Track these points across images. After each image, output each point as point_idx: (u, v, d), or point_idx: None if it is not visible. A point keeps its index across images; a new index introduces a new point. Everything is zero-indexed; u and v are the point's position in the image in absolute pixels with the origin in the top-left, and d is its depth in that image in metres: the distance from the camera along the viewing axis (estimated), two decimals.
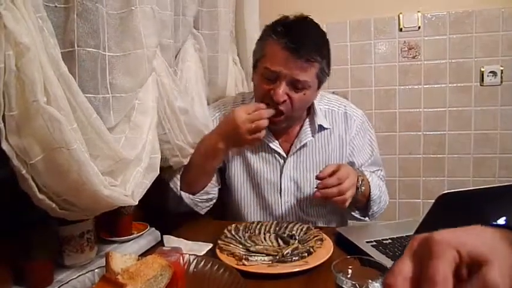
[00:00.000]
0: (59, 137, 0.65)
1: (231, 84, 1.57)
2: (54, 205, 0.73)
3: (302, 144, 1.28)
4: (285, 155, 1.29)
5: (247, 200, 1.34)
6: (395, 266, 0.43)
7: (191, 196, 1.24)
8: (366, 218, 1.28)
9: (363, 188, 1.15)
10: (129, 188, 0.86)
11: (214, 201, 1.32)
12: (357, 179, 1.13)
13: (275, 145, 1.28)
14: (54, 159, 0.67)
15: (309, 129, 1.29)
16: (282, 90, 1.12)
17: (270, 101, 1.15)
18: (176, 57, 1.20)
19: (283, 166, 1.29)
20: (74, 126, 0.70)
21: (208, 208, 1.31)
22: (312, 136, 1.28)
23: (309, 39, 1.11)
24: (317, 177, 1.07)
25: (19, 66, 0.60)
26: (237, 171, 1.33)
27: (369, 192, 1.21)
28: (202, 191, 1.25)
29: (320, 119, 1.28)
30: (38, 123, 0.64)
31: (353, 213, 1.28)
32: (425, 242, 0.43)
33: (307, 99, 1.19)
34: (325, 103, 1.33)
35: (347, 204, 1.07)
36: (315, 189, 1.06)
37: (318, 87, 1.21)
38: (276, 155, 1.29)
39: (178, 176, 1.24)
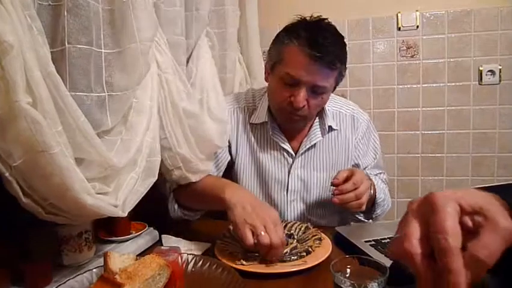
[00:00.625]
0: (41, 140, 0.63)
1: (236, 83, 1.57)
2: (40, 209, 0.71)
3: (312, 144, 1.28)
4: (293, 154, 1.29)
5: (256, 194, 1.32)
6: (404, 230, 0.45)
7: (185, 212, 1.21)
8: (370, 220, 1.28)
9: (371, 191, 1.15)
10: (121, 196, 0.83)
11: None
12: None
13: (286, 145, 1.28)
14: (36, 163, 0.65)
15: (318, 129, 1.29)
16: (302, 97, 1.11)
17: (288, 105, 1.15)
18: (191, 54, 1.17)
19: (291, 165, 1.30)
20: (59, 129, 0.67)
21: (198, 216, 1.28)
22: (322, 136, 1.29)
23: (332, 46, 1.09)
24: (333, 184, 1.05)
25: (3, 65, 0.58)
26: (245, 166, 1.32)
27: (375, 196, 1.21)
28: (198, 212, 1.22)
29: (329, 120, 1.29)
30: (20, 124, 0.61)
31: (357, 215, 1.27)
32: (425, 201, 0.45)
33: (324, 102, 1.20)
34: (333, 105, 1.34)
35: (364, 208, 1.06)
36: (332, 195, 1.05)
37: (333, 90, 1.21)
38: (285, 154, 1.29)
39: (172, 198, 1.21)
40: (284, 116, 1.21)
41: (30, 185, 0.68)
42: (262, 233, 0.88)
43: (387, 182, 1.41)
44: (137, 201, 0.90)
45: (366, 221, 1.28)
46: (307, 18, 1.17)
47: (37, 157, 0.64)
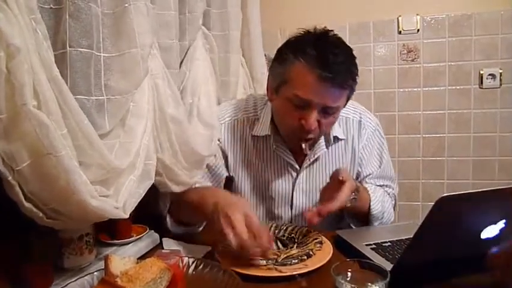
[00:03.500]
0: (47, 142, 0.63)
1: (240, 86, 1.55)
2: (41, 214, 0.70)
3: (316, 157, 1.23)
4: (298, 168, 1.24)
5: (256, 212, 1.27)
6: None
7: (180, 228, 1.19)
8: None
9: (356, 197, 1.08)
10: (121, 199, 0.83)
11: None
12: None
13: (291, 159, 1.23)
14: (41, 166, 0.65)
15: (323, 141, 1.23)
16: (313, 119, 1.04)
17: (298, 128, 1.07)
18: (185, 56, 1.16)
19: (295, 179, 1.25)
20: (64, 132, 0.67)
21: None
22: (326, 148, 1.23)
23: (343, 64, 1.01)
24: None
25: (9, 68, 0.58)
26: (245, 182, 1.27)
27: (369, 207, 1.17)
28: (189, 228, 1.20)
29: (335, 130, 1.23)
30: (26, 127, 0.62)
31: (351, 224, 1.24)
32: None
33: (335, 120, 1.14)
34: (341, 110, 1.25)
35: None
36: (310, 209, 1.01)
37: (345, 105, 1.14)
38: (289, 168, 1.24)
39: (168, 204, 1.19)
40: (295, 140, 1.13)
41: (32, 189, 0.68)
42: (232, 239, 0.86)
43: (394, 197, 1.33)
44: (136, 203, 0.89)
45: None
46: (312, 31, 1.08)
47: (43, 160, 0.64)
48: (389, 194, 1.29)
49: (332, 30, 1.10)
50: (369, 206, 1.17)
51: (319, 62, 0.99)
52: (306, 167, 1.24)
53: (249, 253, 0.88)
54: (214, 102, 1.24)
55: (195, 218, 1.16)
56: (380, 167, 1.29)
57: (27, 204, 0.68)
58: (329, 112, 1.06)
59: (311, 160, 1.23)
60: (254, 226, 0.88)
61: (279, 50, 1.11)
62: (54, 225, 0.75)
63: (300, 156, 1.23)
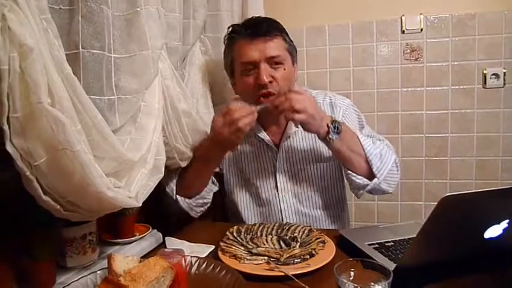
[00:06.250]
0: (63, 138, 0.65)
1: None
2: (58, 206, 0.73)
3: (288, 135, 1.30)
4: (275, 148, 1.31)
5: (245, 201, 1.37)
6: None
7: (187, 200, 1.25)
8: (375, 180, 1.19)
9: (338, 127, 1.13)
10: (133, 190, 0.86)
11: (209, 205, 1.33)
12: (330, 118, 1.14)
13: (262, 133, 1.32)
14: (58, 161, 0.67)
15: (293, 123, 1.25)
16: (264, 71, 1.17)
17: (258, 88, 1.18)
18: (184, 60, 1.22)
19: (276, 161, 1.32)
20: (78, 128, 0.70)
21: (202, 212, 1.32)
22: (296, 127, 1.27)
23: (262, 22, 1.23)
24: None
25: (23, 67, 0.60)
26: (232, 175, 1.38)
27: (360, 141, 1.18)
28: (198, 196, 1.26)
29: None
30: (42, 124, 0.64)
31: (353, 178, 1.21)
32: None
33: (288, 74, 1.23)
34: None
35: (298, 115, 1.07)
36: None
37: (293, 63, 1.27)
38: (265, 147, 1.33)
39: (174, 181, 1.25)
40: (259, 100, 1.19)
41: (49, 183, 0.70)
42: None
43: (388, 145, 1.29)
44: (148, 194, 0.93)
45: (370, 182, 1.20)
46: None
47: (59, 155, 0.67)
48: (381, 142, 1.28)
49: (259, 17, 1.31)
50: (359, 139, 1.19)
51: (245, 28, 1.22)
52: (283, 146, 1.31)
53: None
54: (210, 103, 1.32)
55: (202, 163, 1.23)
56: (363, 127, 1.35)
57: (45, 198, 0.70)
58: (276, 63, 1.20)
59: (286, 139, 1.32)
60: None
61: (225, 41, 1.30)
62: (71, 217, 0.78)
63: (274, 135, 1.33)
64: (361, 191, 1.25)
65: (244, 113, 1.09)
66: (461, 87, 2.07)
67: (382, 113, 2.16)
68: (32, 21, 0.61)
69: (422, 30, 2.07)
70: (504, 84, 2.01)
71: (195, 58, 1.28)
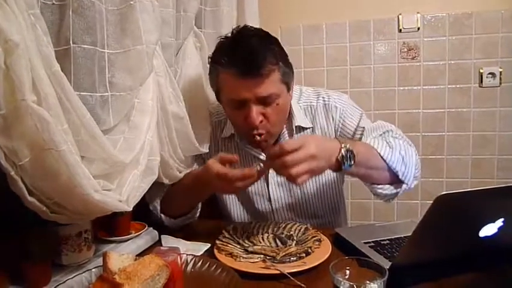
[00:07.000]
0: (48, 137, 0.63)
1: None
2: (44, 208, 0.71)
3: None
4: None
5: (239, 214, 1.33)
6: None
7: (172, 220, 1.21)
8: (404, 186, 1.12)
9: (350, 156, 0.97)
10: (125, 192, 0.84)
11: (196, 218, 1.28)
12: (339, 148, 0.98)
13: (255, 151, 1.25)
14: (43, 161, 0.65)
15: (286, 132, 1.23)
16: (254, 113, 1.06)
17: (247, 126, 1.10)
18: (177, 55, 1.18)
19: (268, 173, 1.25)
20: (65, 127, 0.68)
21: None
22: (289, 137, 1.23)
23: (254, 53, 1.03)
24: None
25: (8, 64, 0.58)
26: None
27: (382, 158, 1.07)
28: (184, 217, 1.22)
29: (298, 120, 1.22)
30: (26, 123, 0.62)
31: (380, 190, 1.12)
32: None
33: (282, 108, 1.13)
34: (304, 99, 1.27)
35: (300, 179, 0.89)
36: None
37: (288, 90, 1.14)
38: (258, 162, 1.22)
39: (158, 200, 1.21)
40: (252, 140, 1.14)
41: (35, 183, 0.68)
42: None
43: (402, 137, 1.19)
44: (140, 197, 0.91)
45: (399, 190, 1.12)
46: (229, 35, 1.12)
47: (44, 155, 0.65)
48: (394, 138, 1.17)
49: (246, 26, 1.15)
50: (376, 150, 1.08)
51: (233, 62, 1.04)
52: None
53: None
54: (205, 103, 1.27)
55: (193, 194, 1.18)
56: (360, 119, 1.25)
57: (30, 199, 0.69)
58: (268, 101, 1.08)
59: None
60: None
61: (209, 63, 1.15)
62: (58, 219, 0.76)
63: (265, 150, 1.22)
64: (392, 199, 1.18)
65: (244, 178, 0.97)
66: (458, 86, 2.07)
67: (379, 112, 2.17)
68: (19, 16, 0.59)
69: (419, 29, 2.07)
70: (500, 83, 2.02)
71: (188, 53, 1.21)
